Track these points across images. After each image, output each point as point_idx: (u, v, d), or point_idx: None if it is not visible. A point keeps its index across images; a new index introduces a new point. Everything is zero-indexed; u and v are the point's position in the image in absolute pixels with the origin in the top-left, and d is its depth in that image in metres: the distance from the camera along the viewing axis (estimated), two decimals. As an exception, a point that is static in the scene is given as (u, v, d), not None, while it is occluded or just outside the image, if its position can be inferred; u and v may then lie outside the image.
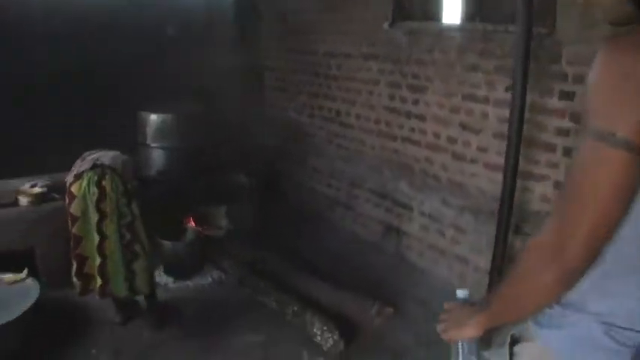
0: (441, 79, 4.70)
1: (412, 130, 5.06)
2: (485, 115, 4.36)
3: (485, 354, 1.71)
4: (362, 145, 5.77)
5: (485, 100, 4.34)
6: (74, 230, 3.91)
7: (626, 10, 1.34)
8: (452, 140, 4.68)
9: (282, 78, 7.12)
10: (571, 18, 3.59)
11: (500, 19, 4.25)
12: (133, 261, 4.01)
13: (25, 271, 4.25)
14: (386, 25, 5.20)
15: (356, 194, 5.95)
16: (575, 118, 3.65)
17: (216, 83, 6.28)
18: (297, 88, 6.77)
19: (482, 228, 4.50)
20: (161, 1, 6.35)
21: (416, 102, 4.98)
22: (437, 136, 4.82)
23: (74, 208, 3.87)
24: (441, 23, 4.89)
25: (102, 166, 3.91)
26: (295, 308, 4.30)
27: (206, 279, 5.02)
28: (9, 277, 4.21)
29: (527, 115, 3.81)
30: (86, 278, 4.01)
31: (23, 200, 4.60)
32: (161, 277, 4.99)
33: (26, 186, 4.75)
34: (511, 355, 1.61)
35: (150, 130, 5.50)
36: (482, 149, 4.43)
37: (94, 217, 3.85)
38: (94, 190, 3.81)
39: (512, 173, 3.84)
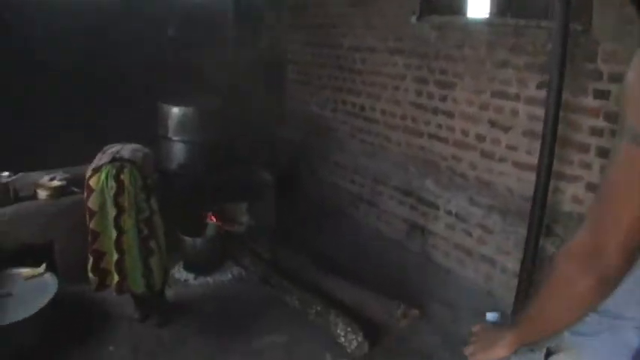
0: (471, 75, 4.59)
1: (439, 126, 4.96)
2: (515, 113, 4.25)
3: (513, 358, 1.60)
4: (387, 140, 5.66)
5: (516, 98, 4.22)
6: (91, 225, 3.85)
7: None
8: (480, 138, 4.57)
9: (305, 72, 7.02)
10: (608, 15, 3.48)
11: (532, 14, 4.14)
12: (148, 257, 3.94)
13: (44, 266, 4.22)
14: (413, 19, 5.09)
15: (380, 191, 5.84)
16: (610, 117, 3.55)
17: (238, 77, 6.21)
18: (321, 82, 6.68)
19: (510, 228, 4.40)
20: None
21: (444, 98, 4.87)
22: (465, 133, 4.71)
23: (92, 202, 3.82)
24: (471, 18, 4.78)
25: (121, 159, 3.85)
26: (318, 308, 4.22)
27: (226, 275, 4.96)
28: (27, 271, 4.18)
29: (560, 113, 3.71)
30: (103, 274, 3.96)
31: (42, 194, 4.55)
32: (181, 273, 4.95)
33: (45, 179, 4.71)
34: None
35: (171, 123, 5.42)
36: (512, 147, 4.32)
37: (111, 212, 3.79)
38: (112, 183, 3.75)
39: (546, 173, 3.74)
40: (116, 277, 3.90)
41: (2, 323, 3.58)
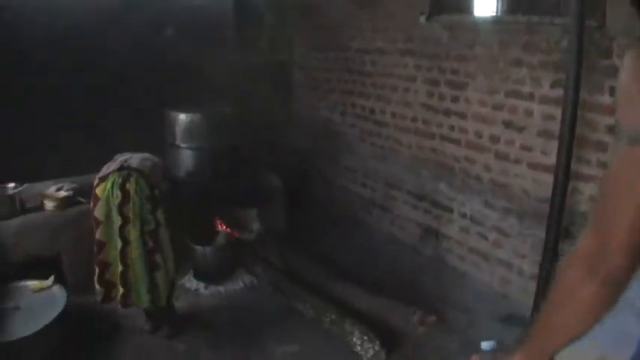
0: (483, 75, 4.51)
1: (451, 128, 4.88)
2: (529, 113, 4.17)
3: None
4: (398, 143, 5.58)
5: (530, 97, 4.15)
6: (97, 235, 3.78)
7: None
8: (494, 139, 4.49)
9: (312, 75, 6.96)
10: (622, 10, 3.38)
11: (544, 10, 4.06)
12: (153, 270, 3.85)
13: (52, 278, 4.14)
14: (422, 20, 5.03)
15: (393, 195, 5.77)
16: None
17: (245, 82, 6.15)
18: (329, 86, 6.61)
19: (526, 231, 4.32)
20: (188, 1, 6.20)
21: (456, 99, 4.79)
22: (478, 134, 4.63)
23: (98, 212, 3.74)
24: (482, 16, 4.69)
25: (128, 168, 3.77)
26: (333, 316, 4.13)
27: (238, 284, 4.86)
28: (35, 284, 4.12)
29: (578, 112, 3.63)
30: (108, 285, 3.88)
31: (49, 205, 4.50)
32: (192, 283, 4.86)
33: (52, 189, 4.65)
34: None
35: (179, 130, 5.35)
36: (527, 148, 4.24)
37: (116, 222, 3.71)
38: (117, 193, 3.67)
39: (564, 173, 3.67)
40: (121, 290, 3.83)
41: (10, 338, 3.51)
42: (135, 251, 3.75)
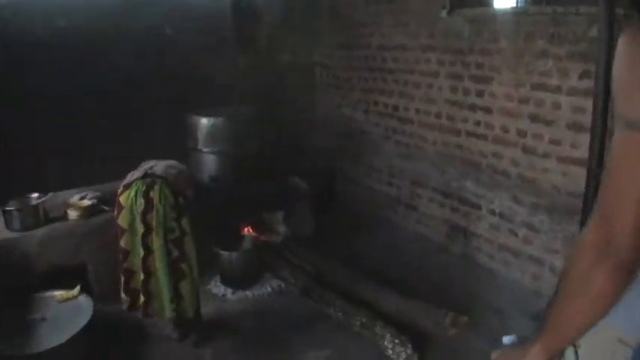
0: (508, 69, 4.43)
1: (477, 123, 4.79)
2: (557, 106, 4.08)
3: None
4: (423, 141, 5.51)
5: (557, 89, 4.06)
6: (122, 243, 3.75)
7: None
8: (521, 133, 4.41)
9: (334, 74, 6.90)
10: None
11: (569, 0, 3.95)
12: (179, 280, 3.80)
13: (78, 288, 4.11)
14: (444, 14, 4.97)
15: (418, 193, 5.69)
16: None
17: (266, 83, 6.10)
18: (351, 84, 6.55)
19: (557, 227, 4.24)
20: (208, 3, 6.16)
21: (480, 93, 4.70)
22: (505, 129, 4.54)
23: (122, 220, 3.71)
24: (505, 8, 4.60)
25: (152, 175, 3.72)
26: (363, 319, 4.04)
27: (265, 289, 4.79)
28: (61, 294, 4.08)
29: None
30: (134, 294, 3.84)
31: (72, 214, 4.46)
32: (218, 288, 4.80)
33: (75, 198, 4.62)
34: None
35: (201, 135, 5.30)
36: (555, 142, 4.15)
37: (139, 230, 3.67)
38: (141, 200, 3.63)
39: (597, 166, 3.55)
40: (142, 298, 3.79)
41: (37, 350, 3.47)
42: (158, 260, 3.71)
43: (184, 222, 3.75)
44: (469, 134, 4.92)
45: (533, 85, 4.23)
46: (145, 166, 3.88)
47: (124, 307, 3.87)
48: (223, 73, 5.73)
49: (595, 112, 3.50)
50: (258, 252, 5.00)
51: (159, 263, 3.72)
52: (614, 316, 1.37)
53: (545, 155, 4.24)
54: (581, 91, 3.83)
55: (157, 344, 4.09)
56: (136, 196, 3.65)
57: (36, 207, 4.39)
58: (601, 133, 3.49)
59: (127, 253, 3.75)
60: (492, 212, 4.81)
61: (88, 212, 4.50)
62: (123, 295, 3.82)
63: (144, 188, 3.65)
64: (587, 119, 3.67)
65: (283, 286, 4.81)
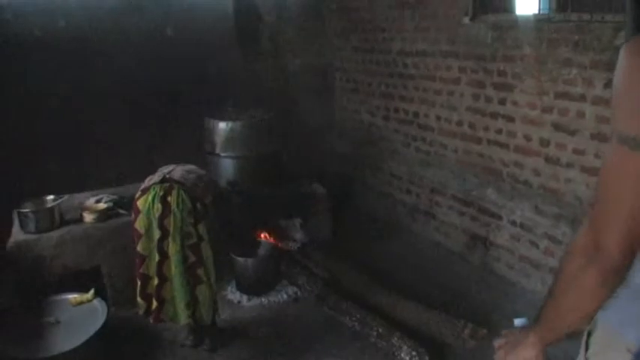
0: (531, 76, 4.34)
1: (499, 131, 4.71)
2: (581, 115, 4.00)
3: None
4: (443, 148, 5.44)
5: (582, 98, 3.97)
6: (138, 248, 3.71)
7: None
8: (544, 142, 4.33)
9: (353, 79, 6.84)
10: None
11: (595, 7, 3.87)
12: (196, 285, 3.76)
13: (92, 292, 4.09)
14: (466, 20, 4.90)
15: (438, 201, 5.62)
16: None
17: (285, 87, 6.06)
18: (370, 89, 6.50)
19: (580, 239, 4.12)
20: (224, 7, 6.13)
21: (503, 101, 4.62)
22: (527, 138, 4.46)
23: (139, 224, 3.68)
24: (529, 15, 4.52)
25: (170, 180, 3.69)
26: (380, 330, 3.98)
27: (281, 296, 4.74)
28: (75, 297, 4.09)
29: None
30: (150, 299, 3.80)
31: (88, 217, 4.45)
32: (234, 294, 4.76)
33: (91, 201, 4.62)
34: (587, 346, 1.61)
35: (218, 139, 5.27)
36: (579, 152, 4.06)
37: (156, 235, 3.63)
38: (158, 205, 3.60)
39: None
40: (154, 304, 3.75)
41: (51, 353, 3.48)
42: (174, 266, 3.67)
43: (201, 227, 3.71)
44: (490, 142, 4.84)
45: (557, 94, 4.15)
46: (164, 170, 3.85)
47: (141, 312, 3.84)
48: (240, 75, 5.71)
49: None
50: (274, 258, 4.95)
51: (175, 269, 3.68)
52: (621, 325, 1.48)
53: (569, 165, 4.16)
54: (606, 100, 3.74)
55: (171, 350, 4.08)
56: (153, 200, 3.62)
57: (51, 209, 4.39)
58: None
59: (143, 258, 3.72)
60: (513, 223, 4.72)
61: (104, 215, 4.49)
62: (139, 299, 3.79)
63: (162, 193, 3.63)
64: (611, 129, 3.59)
65: (299, 293, 4.77)
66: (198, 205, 3.71)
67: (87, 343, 3.57)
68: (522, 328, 1.73)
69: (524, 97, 4.44)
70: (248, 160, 5.34)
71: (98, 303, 4.04)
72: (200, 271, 3.74)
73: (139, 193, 3.72)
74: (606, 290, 1.37)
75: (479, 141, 4.96)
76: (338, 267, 5.00)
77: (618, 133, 1.28)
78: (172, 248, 3.63)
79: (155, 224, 3.62)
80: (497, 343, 1.74)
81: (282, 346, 4.11)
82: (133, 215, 3.73)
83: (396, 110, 6.08)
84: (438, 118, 5.44)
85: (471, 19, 4.86)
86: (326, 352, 3.98)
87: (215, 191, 4.10)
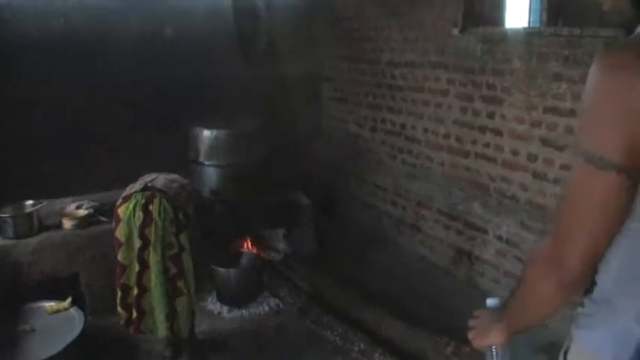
0: (520, 91, 4.32)
1: (487, 145, 4.69)
2: (569, 130, 3.98)
3: None
4: (429, 161, 5.40)
5: (571, 113, 3.95)
6: (119, 257, 3.64)
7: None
8: (532, 157, 4.30)
9: (341, 89, 6.81)
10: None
11: (586, 22, 3.85)
12: (175, 297, 3.68)
13: (69, 300, 4.03)
14: (455, 32, 4.87)
15: (423, 214, 5.58)
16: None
17: (272, 96, 6.01)
18: (358, 100, 6.46)
19: (566, 255, 4.08)
20: (215, 14, 6.10)
21: (491, 115, 4.60)
22: (515, 152, 4.44)
23: (119, 232, 3.61)
24: (519, 28, 4.50)
25: (152, 188, 3.62)
26: (362, 345, 3.93)
27: (262, 308, 4.67)
28: (52, 305, 4.04)
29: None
30: (130, 309, 3.72)
31: (67, 223, 4.38)
32: (214, 305, 4.69)
33: (72, 207, 4.56)
34: None
35: (203, 147, 5.20)
36: (567, 168, 4.03)
37: (136, 244, 3.56)
38: (139, 214, 3.52)
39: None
40: (134, 314, 3.68)
41: (25, 363, 3.42)
42: (154, 276, 3.60)
43: (183, 238, 3.65)
44: (478, 156, 4.81)
45: (546, 109, 4.13)
46: (146, 178, 3.78)
47: (122, 322, 3.77)
48: (225, 82, 5.67)
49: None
50: (256, 269, 4.88)
51: (155, 279, 3.61)
52: (600, 345, 1.46)
53: (556, 181, 4.13)
54: (595, 116, 3.71)
55: (147, 361, 4.00)
56: (134, 208, 3.55)
57: (30, 214, 4.32)
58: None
59: (124, 268, 3.65)
60: (499, 238, 4.68)
61: (84, 222, 4.43)
62: (120, 309, 3.72)
63: (143, 201, 3.56)
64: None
65: (281, 305, 4.71)
66: (181, 215, 3.64)
67: (64, 352, 3.52)
68: (494, 309, 1.78)
69: (512, 111, 4.41)
70: (232, 169, 5.27)
71: (75, 312, 3.98)
72: (180, 284, 3.67)
73: (120, 200, 3.64)
74: (563, 297, 1.39)
75: (466, 155, 4.92)
76: (321, 280, 4.94)
77: (584, 151, 1.27)
78: (153, 258, 3.56)
79: (136, 233, 3.55)
80: (471, 323, 1.78)
81: (263, 358, 4.06)
82: (113, 223, 3.65)
83: (383, 121, 6.04)
84: (425, 130, 5.40)
85: (461, 31, 4.84)
86: (305, 367, 3.93)
87: (197, 200, 4.03)
